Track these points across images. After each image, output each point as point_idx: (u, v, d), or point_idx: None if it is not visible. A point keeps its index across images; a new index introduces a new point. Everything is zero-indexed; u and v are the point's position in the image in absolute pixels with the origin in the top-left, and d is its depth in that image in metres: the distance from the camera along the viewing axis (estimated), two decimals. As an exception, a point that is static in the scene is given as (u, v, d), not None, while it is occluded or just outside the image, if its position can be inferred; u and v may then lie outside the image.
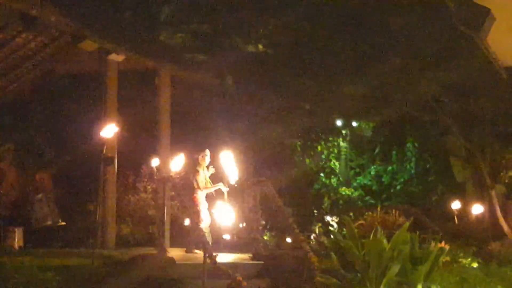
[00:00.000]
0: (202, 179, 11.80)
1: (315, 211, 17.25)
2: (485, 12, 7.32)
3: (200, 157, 11.89)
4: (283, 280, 10.02)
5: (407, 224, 9.29)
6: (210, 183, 11.86)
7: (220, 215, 9.10)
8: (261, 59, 15.20)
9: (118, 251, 11.99)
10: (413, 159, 19.25)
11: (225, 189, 11.46)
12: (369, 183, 19.55)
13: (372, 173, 19.74)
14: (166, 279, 9.28)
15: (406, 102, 15.03)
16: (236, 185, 11.53)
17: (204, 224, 11.60)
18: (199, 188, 11.73)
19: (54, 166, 14.33)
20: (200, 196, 11.74)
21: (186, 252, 11.98)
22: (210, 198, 11.90)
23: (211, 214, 11.68)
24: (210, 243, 11.09)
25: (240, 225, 13.06)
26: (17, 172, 13.10)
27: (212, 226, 11.62)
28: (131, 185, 15.11)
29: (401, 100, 14.95)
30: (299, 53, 14.99)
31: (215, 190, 11.78)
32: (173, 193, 14.10)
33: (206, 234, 11.38)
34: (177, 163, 11.97)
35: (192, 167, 11.94)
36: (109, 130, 11.40)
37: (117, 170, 13.29)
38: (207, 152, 11.95)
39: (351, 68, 13.98)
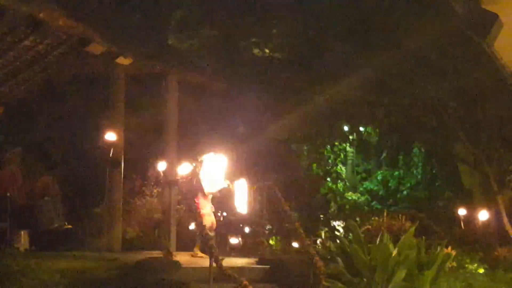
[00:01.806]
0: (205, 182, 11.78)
1: (322, 216, 17.25)
2: (493, 18, 7.28)
3: (200, 160, 11.89)
4: (289, 284, 10.01)
5: (413, 229, 9.28)
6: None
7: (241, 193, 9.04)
8: (269, 63, 15.25)
9: (124, 254, 11.98)
10: (420, 164, 19.21)
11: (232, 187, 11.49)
12: (376, 188, 19.51)
13: (379, 178, 19.71)
14: (172, 283, 9.26)
15: (413, 107, 15.02)
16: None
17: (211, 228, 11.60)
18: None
19: (61, 169, 14.35)
20: (207, 199, 11.74)
21: (192, 256, 11.98)
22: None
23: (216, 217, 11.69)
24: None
25: (246, 229, 13.04)
26: (24, 175, 13.09)
27: (217, 230, 11.62)
28: (137, 189, 15.13)
29: (408, 105, 14.94)
30: (306, 58, 15.03)
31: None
32: (179, 196, 14.11)
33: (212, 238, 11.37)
34: (185, 167, 11.97)
35: (195, 170, 11.95)
36: (116, 134, 11.40)
37: (123, 173, 13.30)
38: (211, 154, 11.93)
39: (357, 72, 13.99)
